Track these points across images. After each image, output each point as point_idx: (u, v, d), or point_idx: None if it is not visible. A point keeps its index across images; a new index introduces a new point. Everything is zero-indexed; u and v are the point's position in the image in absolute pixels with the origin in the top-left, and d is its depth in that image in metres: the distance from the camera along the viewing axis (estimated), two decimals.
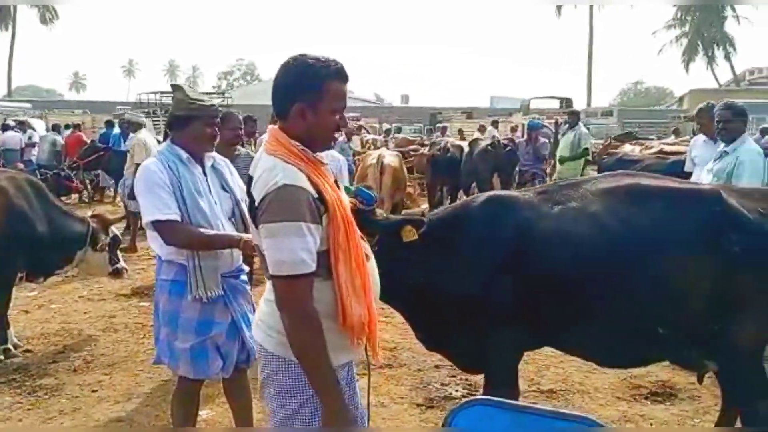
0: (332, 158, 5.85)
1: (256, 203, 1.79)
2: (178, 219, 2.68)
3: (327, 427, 1.77)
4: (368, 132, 19.76)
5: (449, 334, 2.91)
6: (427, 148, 12.11)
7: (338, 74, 1.82)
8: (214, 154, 2.95)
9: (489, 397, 1.86)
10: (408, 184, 12.09)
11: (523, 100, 31.41)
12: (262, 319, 1.93)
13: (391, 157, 9.10)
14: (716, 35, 42.18)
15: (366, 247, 1.98)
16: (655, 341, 2.74)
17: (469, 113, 29.47)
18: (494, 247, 2.77)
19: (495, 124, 17.98)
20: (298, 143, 1.81)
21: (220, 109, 3.01)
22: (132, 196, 8.36)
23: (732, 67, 43.24)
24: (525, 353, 3.08)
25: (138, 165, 9.26)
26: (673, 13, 43.80)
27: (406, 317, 3.15)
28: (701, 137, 5.91)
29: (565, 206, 2.80)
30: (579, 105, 32.06)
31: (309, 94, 1.80)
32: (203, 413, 3.79)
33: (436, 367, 4.47)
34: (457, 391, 4.17)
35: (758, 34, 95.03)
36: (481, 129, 15.07)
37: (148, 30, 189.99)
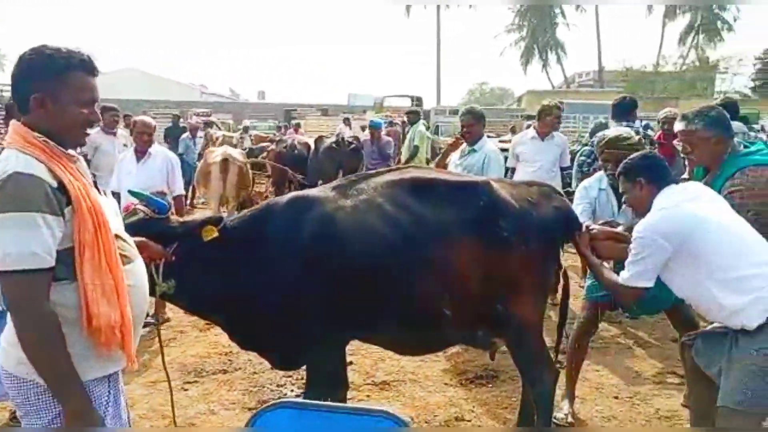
0: (163, 157, 5.58)
1: None
2: None
3: (68, 428, 1.66)
4: (219, 128, 19.03)
5: (262, 334, 2.86)
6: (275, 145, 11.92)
7: (82, 65, 1.75)
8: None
9: (293, 399, 1.86)
10: (261, 182, 11.81)
11: (376, 98, 32.06)
12: (6, 339, 1.74)
13: (235, 155, 8.82)
14: (549, 40, 46.00)
15: (128, 249, 1.87)
16: (444, 324, 2.88)
17: (325, 110, 29.53)
18: (296, 245, 2.77)
19: (347, 121, 18.23)
20: (39, 135, 1.69)
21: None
22: None
23: (563, 70, 47.52)
24: (363, 347, 3.08)
25: None
26: (512, 18, 47.18)
27: (216, 322, 3.05)
28: (530, 134, 6.20)
29: (356, 199, 2.88)
30: (430, 103, 33.41)
31: (48, 84, 1.71)
32: None
33: (273, 368, 4.40)
34: (292, 391, 4.14)
35: (585, 39, 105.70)
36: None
37: None
